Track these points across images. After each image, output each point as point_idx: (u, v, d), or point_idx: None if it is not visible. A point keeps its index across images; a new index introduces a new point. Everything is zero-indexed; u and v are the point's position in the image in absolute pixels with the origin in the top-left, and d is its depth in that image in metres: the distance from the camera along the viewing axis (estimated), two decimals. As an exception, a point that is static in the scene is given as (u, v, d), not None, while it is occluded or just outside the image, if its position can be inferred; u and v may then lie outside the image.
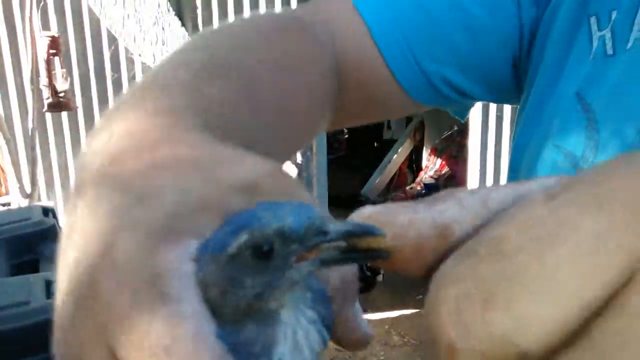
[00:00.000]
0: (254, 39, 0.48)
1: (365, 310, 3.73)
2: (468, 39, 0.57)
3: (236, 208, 0.26)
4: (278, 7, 3.31)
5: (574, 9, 0.53)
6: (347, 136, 5.54)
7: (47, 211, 1.21)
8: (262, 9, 3.31)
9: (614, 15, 0.50)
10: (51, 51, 2.90)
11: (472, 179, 3.65)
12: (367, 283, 3.99)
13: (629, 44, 0.49)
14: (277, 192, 0.28)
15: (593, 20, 0.51)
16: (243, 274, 0.25)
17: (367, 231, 0.24)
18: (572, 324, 0.17)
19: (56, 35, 2.96)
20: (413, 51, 0.57)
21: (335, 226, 0.25)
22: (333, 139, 4.81)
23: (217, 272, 0.25)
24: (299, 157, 3.48)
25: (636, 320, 0.17)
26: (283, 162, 0.46)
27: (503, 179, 3.63)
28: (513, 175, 0.60)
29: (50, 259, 1.12)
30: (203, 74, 0.39)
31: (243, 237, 0.25)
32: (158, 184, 0.27)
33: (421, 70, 0.57)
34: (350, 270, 0.31)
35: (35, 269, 1.05)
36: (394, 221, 0.23)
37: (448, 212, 0.23)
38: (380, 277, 4.01)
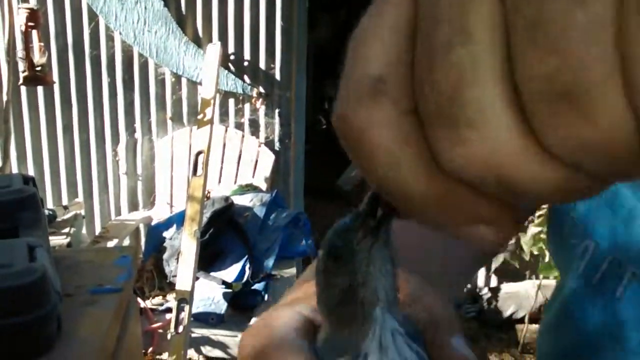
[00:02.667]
0: None
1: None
2: None
3: None
4: (263, -7, 3.30)
5: None
6: (325, 127, 5.54)
7: (28, 180, 1.20)
8: (246, -7, 3.29)
9: None
10: (29, 24, 2.84)
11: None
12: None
13: None
14: None
15: None
16: (333, 277, 0.32)
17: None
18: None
19: (35, 7, 2.90)
20: None
21: (363, 203, 0.30)
22: (311, 130, 4.81)
23: (321, 292, 0.33)
24: (276, 146, 3.47)
25: None
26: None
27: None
28: None
29: (30, 227, 1.11)
30: None
31: (319, 253, 0.33)
32: None
33: None
34: (439, 307, 0.36)
35: (14, 236, 1.04)
36: None
37: None
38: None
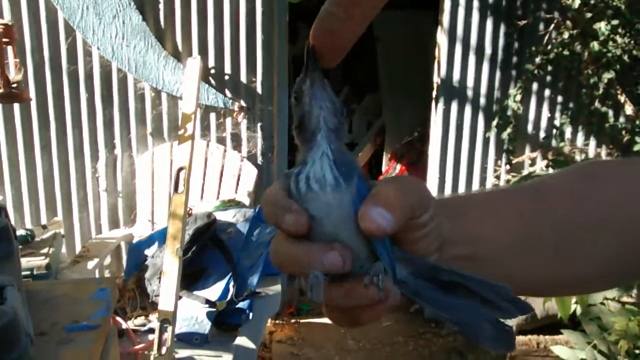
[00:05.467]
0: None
1: (320, 314, 3.72)
2: None
3: None
4: (243, 3, 3.27)
5: None
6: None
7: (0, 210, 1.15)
8: (226, 3, 3.26)
9: None
10: (4, 40, 2.77)
11: (431, 186, 3.68)
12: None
13: None
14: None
15: None
16: (295, 111, 0.49)
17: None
18: None
19: (9, 23, 2.83)
20: None
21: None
22: (294, 141, 4.77)
23: (293, 124, 0.50)
24: (259, 160, 3.44)
25: None
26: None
27: (461, 186, 3.66)
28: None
29: (1, 260, 1.06)
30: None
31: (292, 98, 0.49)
32: None
33: None
34: (388, 187, 0.48)
35: (-15, 271, 0.99)
36: None
37: None
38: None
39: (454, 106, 3.55)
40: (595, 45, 3.15)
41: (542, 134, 3.60)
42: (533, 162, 3.63)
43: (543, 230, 0.55)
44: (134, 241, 3.16)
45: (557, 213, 0.55)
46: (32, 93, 3.15)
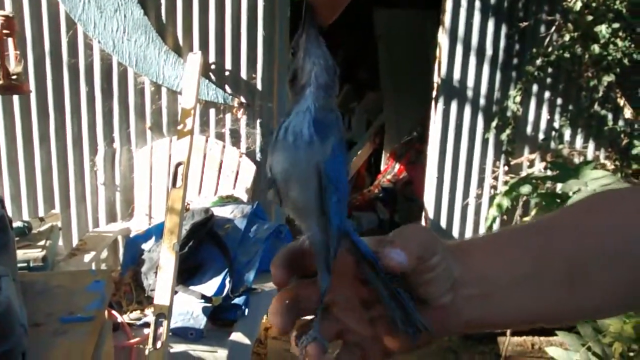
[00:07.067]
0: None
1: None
2: None
3: None
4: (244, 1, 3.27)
5: None
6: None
7: (-4, 200, 1.15)
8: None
9: None
10: (4, 31, 2.77)
11: (429, 186, 3.68)
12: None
13: None
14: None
15: None
16: (291, 65, 0.51)
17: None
18: None
19: (10, 14, 2.83)
20: None
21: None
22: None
23: (288, 77, 0.52)
24: (258, 156, 3.44)
25: None
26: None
27: (459, 187, 3.66)
28: None
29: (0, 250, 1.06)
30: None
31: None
32: None
33: None
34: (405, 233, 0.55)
35: (-20, 261, 0.99)
36: None
37: None
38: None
39: (454, 106, 3.55)
40: (595, 48, 3.15)
41: (541, 136, 3.60)
42: (532, 164, 3.63)
43: (554, 262, 0.56)
44: (131, 235, 3.16)
45: (566, 243, 0.57)
46: (32, 85, 3.15)
